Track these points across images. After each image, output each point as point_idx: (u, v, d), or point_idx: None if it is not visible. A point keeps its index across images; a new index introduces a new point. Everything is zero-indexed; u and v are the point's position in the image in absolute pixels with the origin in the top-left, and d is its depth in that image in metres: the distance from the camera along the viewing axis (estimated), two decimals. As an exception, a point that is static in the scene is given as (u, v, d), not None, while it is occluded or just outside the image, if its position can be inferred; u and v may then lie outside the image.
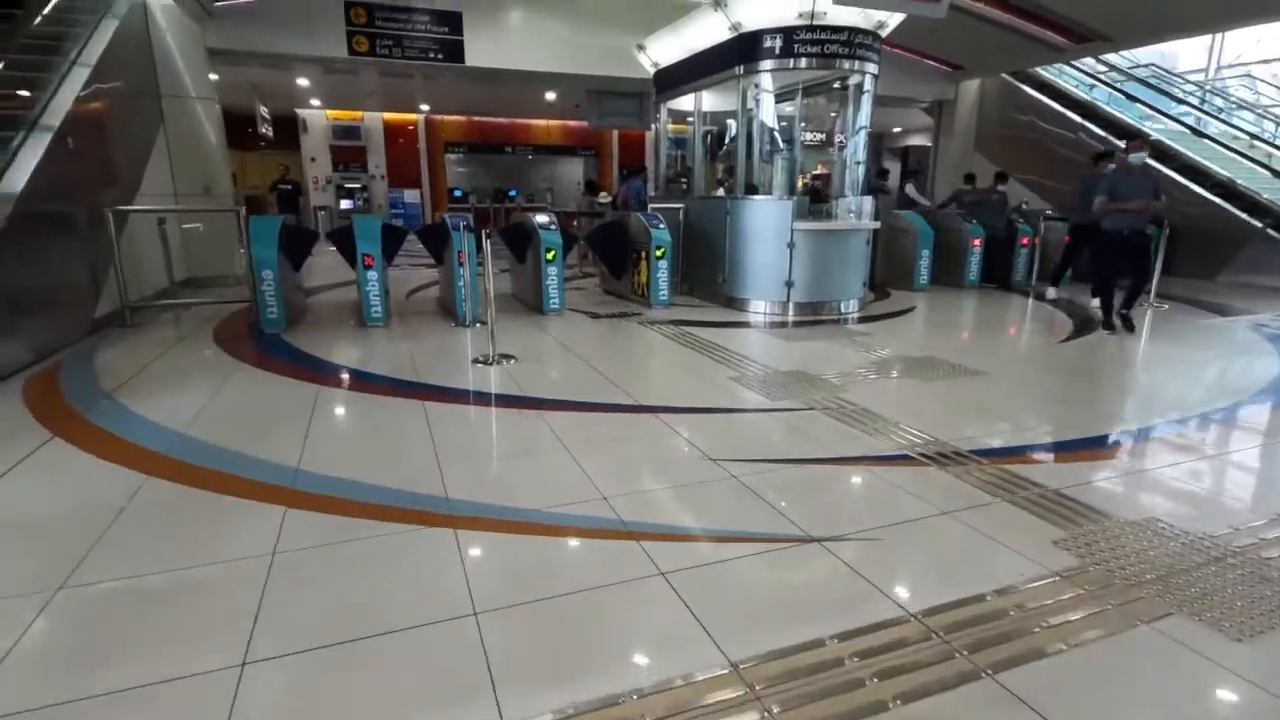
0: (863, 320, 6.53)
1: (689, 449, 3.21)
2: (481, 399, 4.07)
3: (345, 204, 17.70)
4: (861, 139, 6.91)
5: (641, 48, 8.14)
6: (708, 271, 7.44)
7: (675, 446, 3.26)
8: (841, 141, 7.05)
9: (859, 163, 6.98)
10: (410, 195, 18.13)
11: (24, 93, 5.55)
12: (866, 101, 6.79)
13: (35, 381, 4.23)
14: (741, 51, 6.63)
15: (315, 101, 15.24)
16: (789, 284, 6.58)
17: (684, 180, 9.13)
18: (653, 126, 8.78)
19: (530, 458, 3.13)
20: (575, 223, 10.94)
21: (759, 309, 6.81)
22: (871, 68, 6.65)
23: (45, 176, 4.96)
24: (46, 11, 6.38)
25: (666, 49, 7.90)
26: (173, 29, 7.95)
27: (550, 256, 6.45)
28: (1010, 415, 3.86)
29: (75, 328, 5.41)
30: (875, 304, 7.43)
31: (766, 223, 6.61)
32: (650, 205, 7.61)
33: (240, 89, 12.98)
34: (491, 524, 2.51)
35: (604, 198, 11.80)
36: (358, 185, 17.68)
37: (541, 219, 6.58)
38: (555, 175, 19.87)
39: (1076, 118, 11.25)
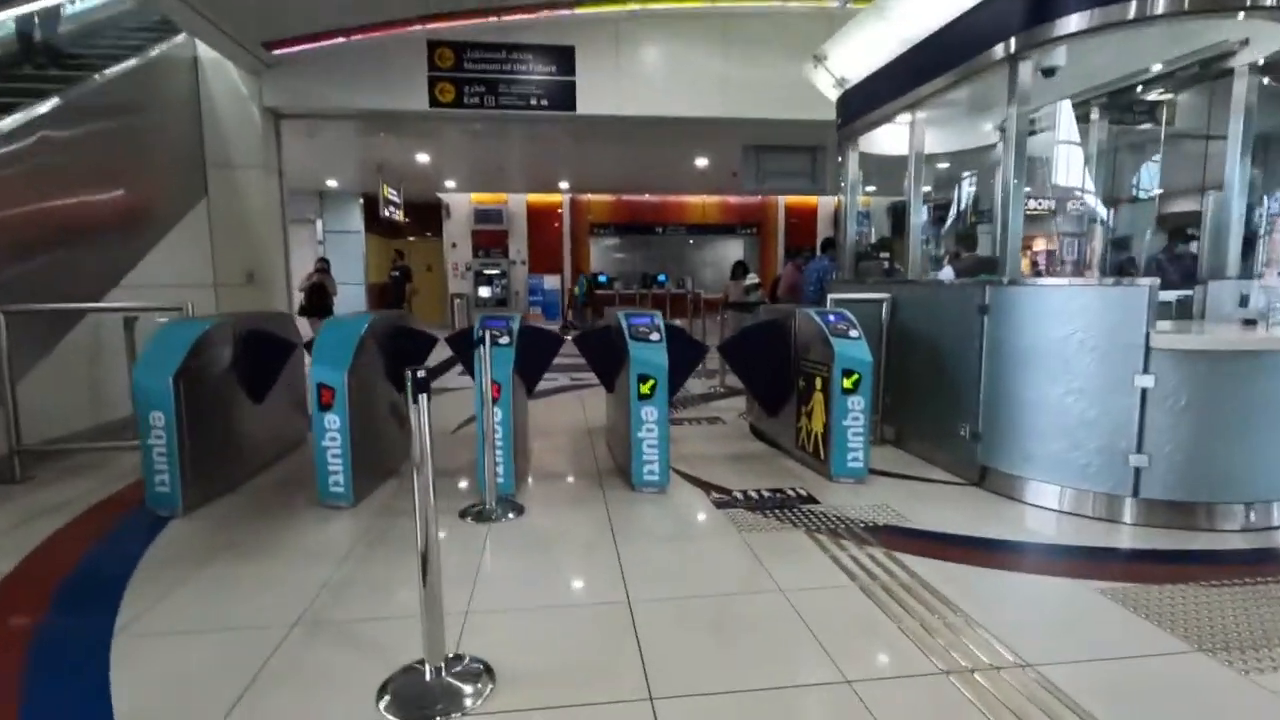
0: (1323, 548, 2.90)
1: None
2: None
3: (484, 291, 16.47)
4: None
5: (820, 59, 5.31)
6: (935, 413, 4.17)
7: None
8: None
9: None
10: (550, 281, 16.53)
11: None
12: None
13: None
14: (1020, 7, 3.55)
15: (450, 184, 14.17)
16: (1137, 461, 3.14)
17: (883, 258, 5.99)
18: (840, 177, 5.78)
19: None
20: (721, 317, 8.09)
21: (1052, 500, 3.40)
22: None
23: None
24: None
25: (861, 53, 5.00)
26: (218, 82, 6.48)
27: (647, 389, 3.59)
28: None
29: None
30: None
31: (1079, 331, 3.29)
32: (831, 297, 4.57)
33: (368, 170, 12.00)
34: None
35: (751, 279, 8.86)
36: (496, 271, 16.42)
37: (638, 320, 3.80)
38: (711, 258, 17.42)
39: None
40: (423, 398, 1.81)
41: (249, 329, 4.08)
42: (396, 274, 11.09)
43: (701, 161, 11.73)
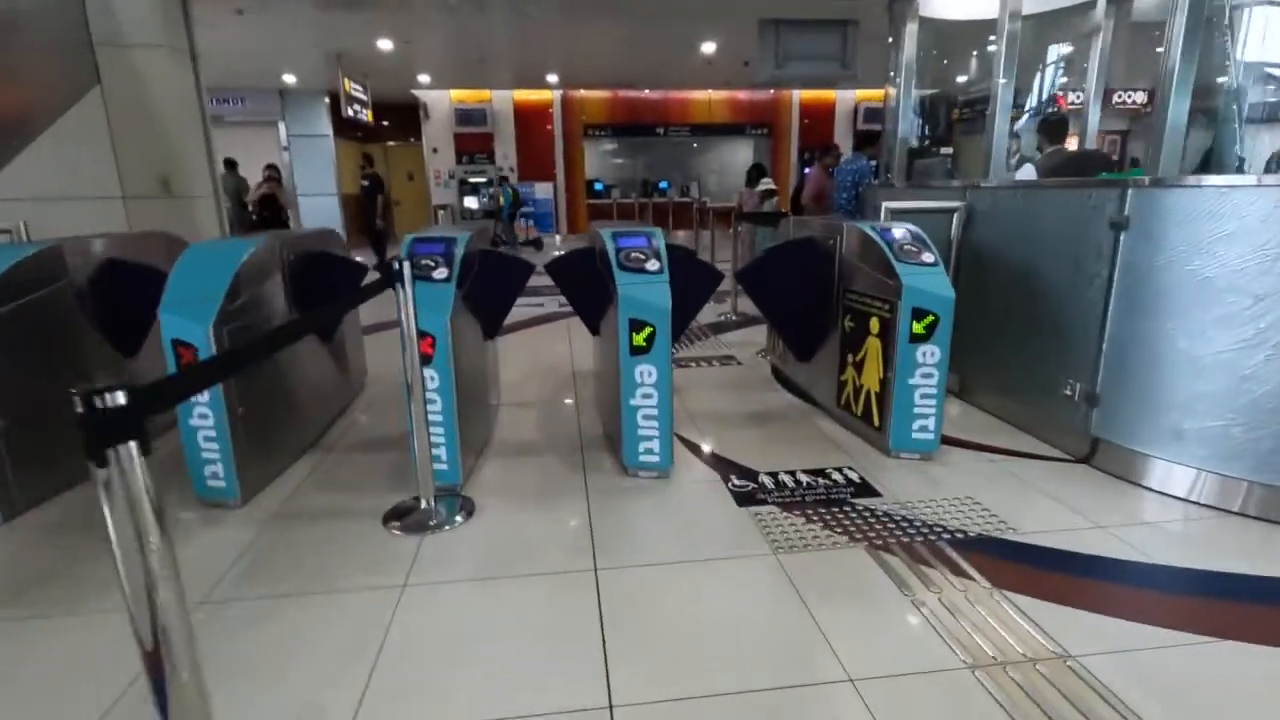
0: None
1: None
2: None
3: (471, 201, 15.11)
4: None
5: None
6: (1024, 361, 3.17)
7: None
8: None
9: None
10: (542, 190, 15.13)
11: None
12: None
13: None
14: None
15: (424, 78, 12.56)
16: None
17: (945, 155, 4.79)
18: (890, 56, 4.50)
19: None
20: (735, 231, 6.94)
21: (1211, 494, 2.44)
22: None
23: None
24: None
25: None
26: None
27: (642, 340, 2.57)
28: None
29: None
30: None
31: None
32: (887, 206, 3.45)
33: (330, 62, 10.47)
34: None
35: (766, 184, 7.57)
36: (483, 179, 14.99)
37: (629, 242, 2.74)
38: (718, 162, 15.92)
39: None
40: (123, 452, 0.81)
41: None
42: (366, 183, 9.84)
43: (708, 47, 10.17)
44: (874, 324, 2.92)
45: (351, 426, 3.40)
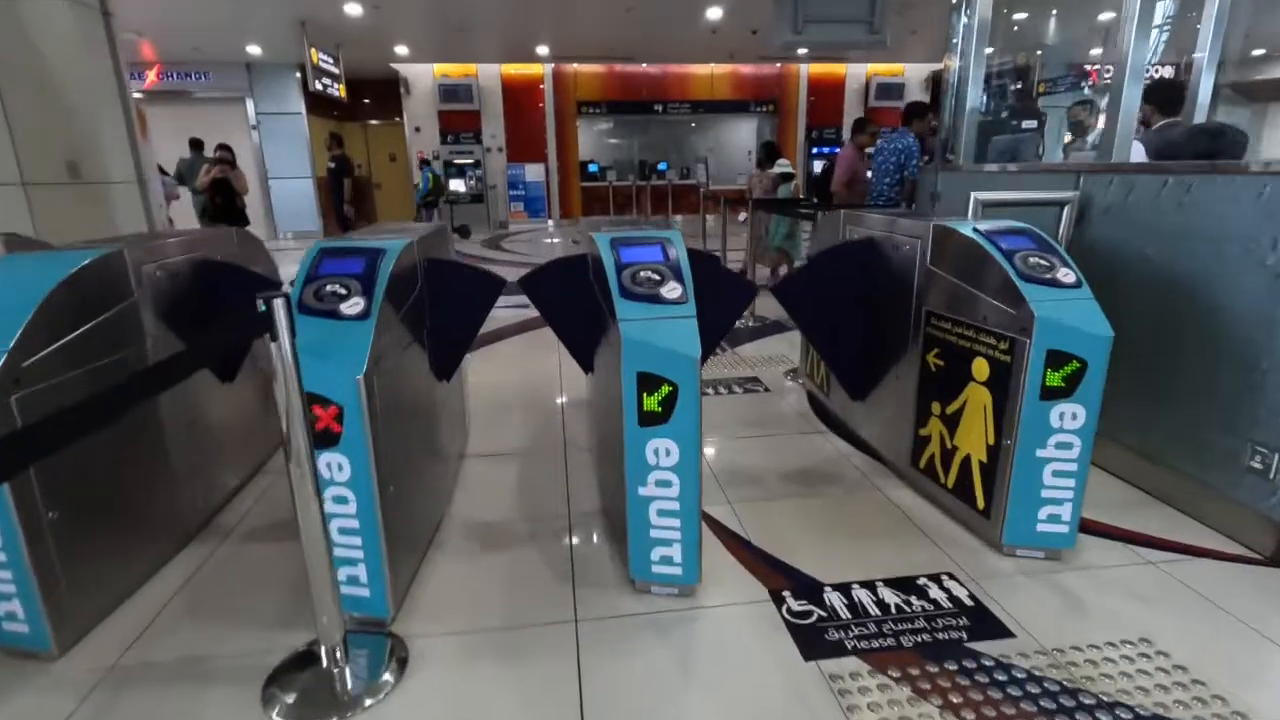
0: None
1: None
2: None
3: (456, 184, 14.14)
4: None
5: None
6: (1175, 410, 2.33)
7: None
8: None
9: None
10: (533, 172, 14.17)
11: None
12: None
13: None
14: None
15: (402, 49, 11.54)
16: None
17: (1025, 129, 3.91)
18: (953, 18, 3.60)
19: None
20: (750, 219, 6.06)
21: None
22: None
23: None
24: None
25: None
26: None
27: (657, 404, 1.72)
28: None
29: None
30: None
31: None
32: (978, 198, 2.59)
33: (295, 32, 9.47)
34: None
35: (782, 166, 6.63)
36: (469, 160, 14.01)
37: (635, 255, 1.88)
38: (720, 142, 14.97)
39: None
40: None
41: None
42: (332, 165, 8.90)
43: (714, 12, 9.21)
44: (979, 367, 2.07)
45: (263, 496, 2.55)
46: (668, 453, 1.76)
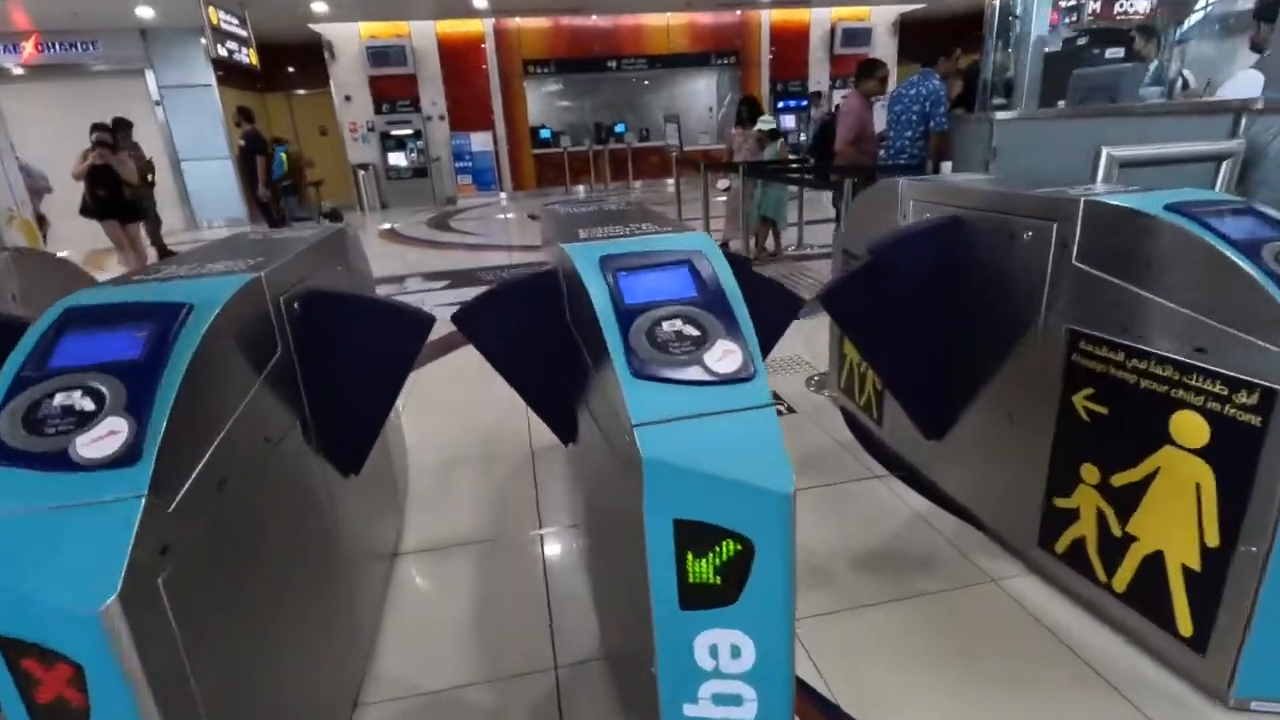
0: None
1: None
2: None
3: (396, 158, 12.93)
4: None
5: None
6: None
7: None
8: None
9: None
10: (479, 141, 13.00)
11: None
12: None
13: None
14: None
15: (320, 7, 10.22)
16: None
17: (1109, 59, 3.13)
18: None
19: None
20: (727, 187, 5.22)
21: None
22: None
23: None
24: None
25: None
26: None
27: (710, 571, 0.93)
28: None
29: None
30: None
31: None
32: (1110, 154, 1.82)
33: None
34: None
35: (766, 123, 5.72)
36: (408, 131, 12.77)
37: (647, 285, 1.06)
38: (679, 99, 13.97)
39: None
40: None
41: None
42: (243, 143, 7.73)
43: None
44: (1186, 426, 1.32)
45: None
46: (735, 652, 0.97)
